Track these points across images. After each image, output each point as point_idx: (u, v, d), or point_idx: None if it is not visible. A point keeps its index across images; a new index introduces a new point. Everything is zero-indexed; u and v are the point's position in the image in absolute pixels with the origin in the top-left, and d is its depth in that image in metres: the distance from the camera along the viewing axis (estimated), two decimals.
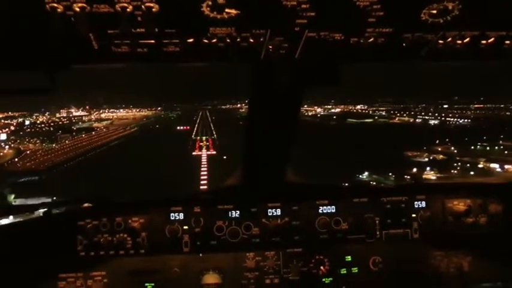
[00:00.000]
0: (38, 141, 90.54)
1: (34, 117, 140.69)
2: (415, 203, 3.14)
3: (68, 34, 1.54)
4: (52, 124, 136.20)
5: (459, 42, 1.82)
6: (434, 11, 1.61)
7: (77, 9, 1.44)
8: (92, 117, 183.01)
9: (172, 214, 2.98)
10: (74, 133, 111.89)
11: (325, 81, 2.37)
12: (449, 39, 1.80)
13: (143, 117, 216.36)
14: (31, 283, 2.87)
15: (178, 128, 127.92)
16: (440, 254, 3.18)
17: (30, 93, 2.13)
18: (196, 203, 3.01)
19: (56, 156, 76.62)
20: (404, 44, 1.83)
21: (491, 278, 3.18)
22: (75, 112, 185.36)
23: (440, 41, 1.81)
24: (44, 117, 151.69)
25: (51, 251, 2.87)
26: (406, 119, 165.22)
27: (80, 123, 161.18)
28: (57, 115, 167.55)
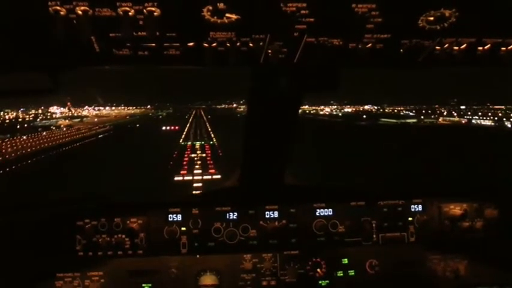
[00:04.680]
0: None
1: (2, 113, 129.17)
2: (412, 206, 3.26)
3: (70, 37, 1.56)
4: (7, 121, 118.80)
5: (456, 48, 1.84)
6: (432, 18, 1.63)
7: (80, 12, 1.45)
8: (69, 114, 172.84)
9: (170, 215, 3.08)
10: (18, 133, 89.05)
11: (324, 86, 2.45)
12: (446, 45, 1.82)
13: (127, 115, 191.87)
14: (29, 282, 3.01)
15: (164, 128, 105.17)
16: (437, 257, 3.32)
17: (34, 93, 2.24)
18: (194, 205, 3.13)
19: None
20: (402, 50, 1.85)
21: (487, 281, 3.30)
22: (57, 109, 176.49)
23: (438, 48, 1.84)
24: (13, 114, 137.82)
25: (49, 251, 3.02)
26: (456, 119, 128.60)
27: (39, 120, 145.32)
28: (32, 111, 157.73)
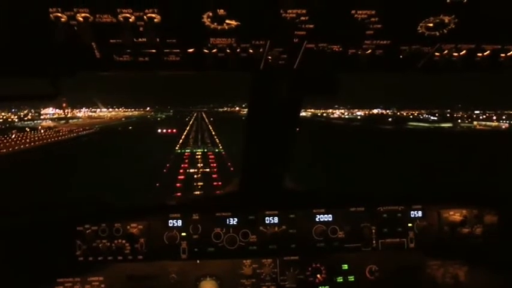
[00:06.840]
0: None
1: None
2: (411, 212, 3.27)
3: (71, 43, 1.57)
4: None
5: (455, 55, 1.88)
6: (431, 24, 1.63)
7: (80, 19, 1.46)
8: (64, 115, 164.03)
9: (170, 221, 3.12)
10: None
11: (323, 91, 2.48)
12: (446, 51, 1.85)
13: (124, 117, 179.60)
14: (29, 287, 3.09)
15: (160, 131, 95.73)
16: (436, 263, 3.35)
17: (35, 99, 2.28)
18: (195, 210, 3.18)
19: None
20: (401, 56, 1.88)
21: (487, 287, 3.34)
22: (51, 110, 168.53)
23: (437, 54, 1.87)
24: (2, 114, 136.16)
25: (49, 256, 3.07)
26: (494, 124, 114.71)
27: (17, 120, 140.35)
28: (25, 112, 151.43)
